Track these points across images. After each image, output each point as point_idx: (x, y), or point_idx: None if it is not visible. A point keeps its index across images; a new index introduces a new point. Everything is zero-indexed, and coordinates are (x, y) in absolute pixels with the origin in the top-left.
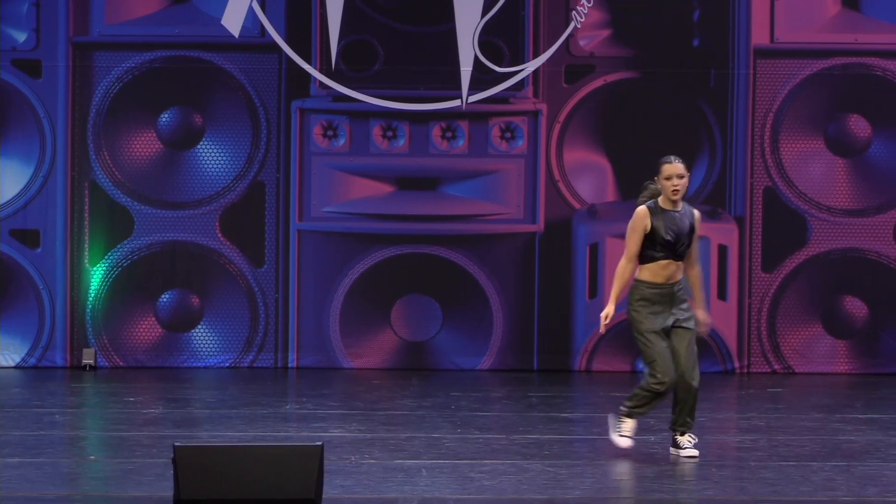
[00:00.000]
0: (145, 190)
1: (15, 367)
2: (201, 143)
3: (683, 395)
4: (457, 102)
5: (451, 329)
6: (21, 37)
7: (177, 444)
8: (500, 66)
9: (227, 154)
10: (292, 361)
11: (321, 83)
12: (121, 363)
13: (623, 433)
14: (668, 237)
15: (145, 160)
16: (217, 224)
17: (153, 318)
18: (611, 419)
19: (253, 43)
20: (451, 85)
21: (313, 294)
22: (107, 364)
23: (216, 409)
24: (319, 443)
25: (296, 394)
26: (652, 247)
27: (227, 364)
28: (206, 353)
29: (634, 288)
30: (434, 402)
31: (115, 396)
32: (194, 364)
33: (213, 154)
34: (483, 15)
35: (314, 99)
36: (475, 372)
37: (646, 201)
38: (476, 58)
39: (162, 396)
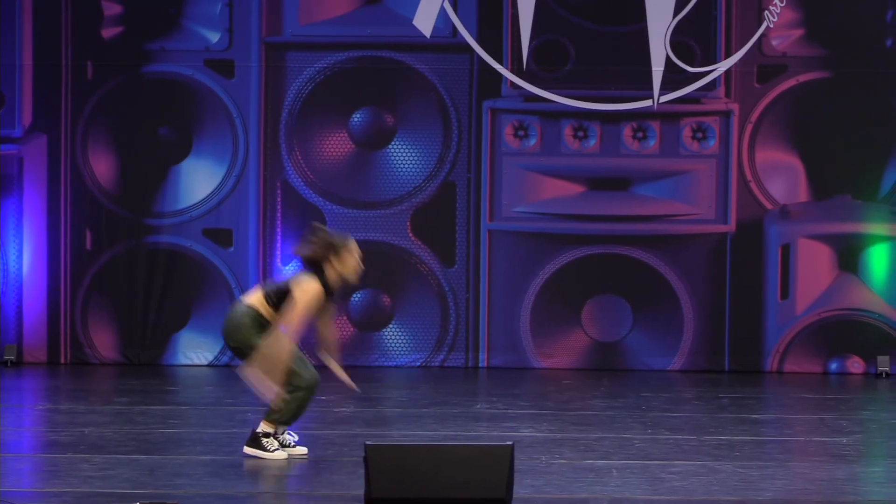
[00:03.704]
0: (337, 190)
1: (208, 366)
2: (393, 143)
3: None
4: (648, 102)
5: (641, 330)
6: (214, 37)
7: (368, 442)
8: (691, 66)
9: (418, 154)
10: (483, 361)
11: (512, 83)
12: (313, 362)
13: (275, 448)
14: None
15: (337, 160)
16: (408, 224)
17: (345, 318)
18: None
19: (444, 43)
20: (642, 85)
21: (504, 294)
22: None
23: (407, 408)
24: (510, 442)
25: (486, 393)
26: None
27: (418, 363)
28: (397, 353)
29: (248, 314)
30: (625, 402)
31: None
32: (385, 363)
33: (404, 154)
34: (675, 15)
35: (505, 99)
36: (666, 373)
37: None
38: (668, 58)
39: (353, 395)
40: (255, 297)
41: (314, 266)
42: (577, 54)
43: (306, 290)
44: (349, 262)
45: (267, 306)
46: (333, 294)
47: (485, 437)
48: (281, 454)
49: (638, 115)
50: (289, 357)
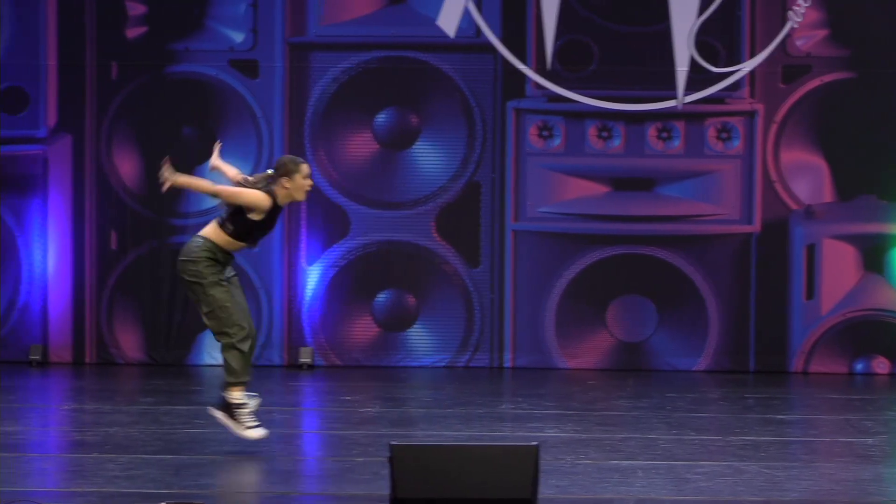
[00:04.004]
0: (361, 190)
1: None
2: (417, 143)
3: (251, 348)
4: (672, 103)
5: (666, 330)
6: (238, 37)
7: (393, 443)
8: (715, 66)
9: (442, 154)
10: (508, 361)
11: (536, 83)
12: (338, 362)
13: (250, 425)
14: (265, 233)
15: (361, 160)
16: (433, 224)
17: (370, 318)
18: (224, 419)
19: (468, 43)
20: (666, 85)
21: (528, 294)
22: (324, 363)
23: (432, 408)
24: (535, 443)
25: (511, 394)
26: (247, 229)
27: (443, 363)
28: (422, 353)
29: (205, 247)
30: (650, 402)
31: (332, 395)
32: (410, 363)
33: (428, 154)
34: (699, 15)
35: (529, 99)
36: (691, 373)
37: (262, 187)
38: (692, 58)
39: (378, 395)
40: (209, 229)
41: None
42: (601, 54)
43: (254, 192)
44: (299, 182)
45: (222, 234)
46: (278, 210)
47: (510, 438)
48: (258, 432)
49: (662, 116)
50: (202, 182)
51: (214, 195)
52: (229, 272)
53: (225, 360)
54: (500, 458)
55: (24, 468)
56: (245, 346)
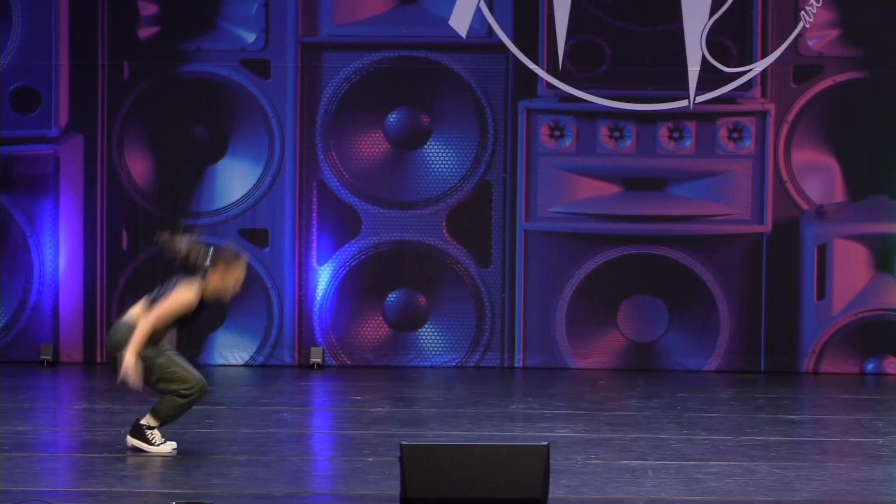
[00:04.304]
0: (373, 190)
1: (244, 366)
2: (428, 143)
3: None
4: (684, 103)
5: (677, 330)
6: (250, 37)
7: (404, 442)
8: (727, 66)
9: (454, 154)
10: (518, 361)
11: (548, 83)
12: (348, 362)
13: (159, 442)
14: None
15: (373, 160)
16: (444, 224)
17: (380, 318)
18: (139, 444)
19: (480, 43)
20: (678, 85)
21: (539, 294)
22: (334, 363)
23: (443, 408)
24: (546, 443)
25: (522, 394)
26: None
27: (454, 363)
28: (433, 353)
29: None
30: (660, 402)
31: (343, 395)
32: (421, 363)
33: (440, 154)
34: (711, 15)
35: (541, 99)
36: (702, 373)
37: (190, 275)
38: (703, 58)
39: (389, 395)
40: (135, 313)
41: (200, 272)
42: (612, 54)
43: (180, 294)
44: (236, 276)
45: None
46: (206, 304)
47: (520, 438)
48: (167, 446)
49: (674, 116)
50: (139, 339)
51: (153, 332)
52: (164, 346)
53: (165, 400)
54: (511, 458)
55: (35, 468)
56: (191, 398)
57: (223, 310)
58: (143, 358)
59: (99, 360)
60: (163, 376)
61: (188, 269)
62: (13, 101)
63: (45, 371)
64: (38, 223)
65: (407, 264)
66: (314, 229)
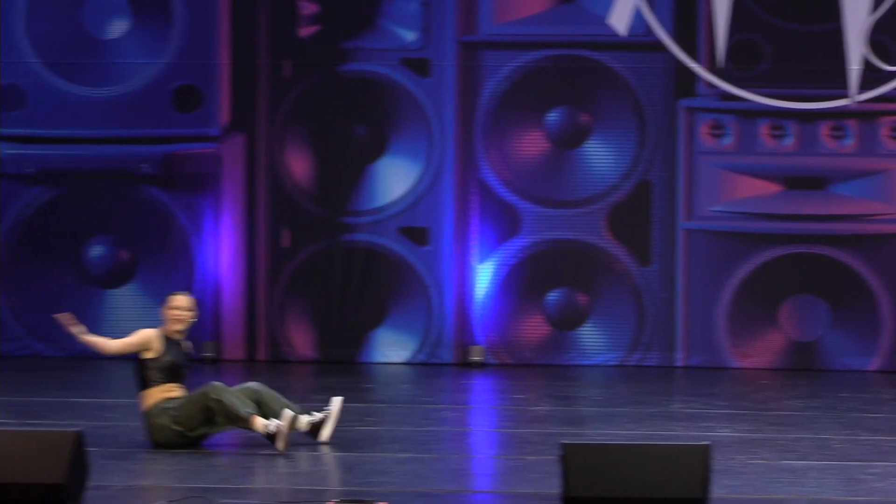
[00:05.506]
0: (533, 188)
1: (404, 364)
2: (588, 141)
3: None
4: (845, 101)
5: (839, 329)
6: (410, 36)
7: (564, 441)
8: (888, 64)
9: (613, 153)
10: (679, 360)
11: (708, 82)
12: (509, 360)
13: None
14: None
15: (533, 159)
16: (604, 223)
17: (541, 317)
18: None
19: (639, 42)
20: (838, 83)
21: (700, 293)
22: (495, 361)
23: (603, 407)
24: (707, 442)
25: (682, 393)
26: (162, 371)
27: (614, 362)
28: (593, 352)
29: (155, 425)
30: (822, 402)
31: (503, 394)
32: (581, 362)
33: (599, 153)
34: (871, 13)
35: (701, 98)
36: (864, 373)
37: None
38: (864, 56)
39: (549, 394)
40: (142, 401)
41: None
42: (772, 53)
43: (140, 332)
44: (168, 313)
45: (153, 392)
46: (176, 343)
47: (681, 437)
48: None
49: (835, 114)
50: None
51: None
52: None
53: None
54: (672, 458)
55: (207, 465)
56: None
57: (384, 308)
58: (162, 427)
59: (260, 357)
60: (215, 409)
61: None
62: (175, 100)
63: (207, 368)
64: (199, 221)
65: (567, 263)
66: (474, 227)
